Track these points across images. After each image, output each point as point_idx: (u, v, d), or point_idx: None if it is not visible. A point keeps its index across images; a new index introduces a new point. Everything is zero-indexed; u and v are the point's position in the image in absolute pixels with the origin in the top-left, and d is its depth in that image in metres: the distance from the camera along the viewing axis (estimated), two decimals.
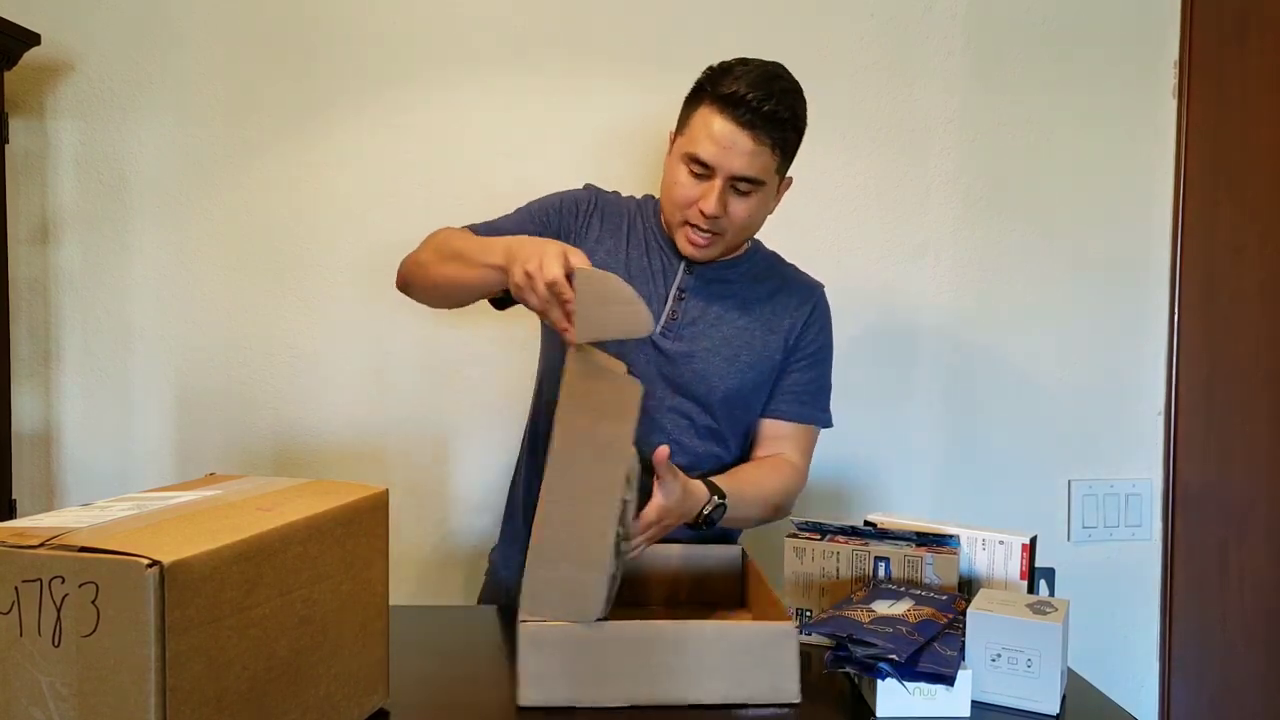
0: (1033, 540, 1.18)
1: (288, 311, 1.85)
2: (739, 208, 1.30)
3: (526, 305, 1.12)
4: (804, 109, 1.32)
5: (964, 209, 1.91)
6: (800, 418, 1.43)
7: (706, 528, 1.24)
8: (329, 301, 1.85)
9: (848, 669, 0.99)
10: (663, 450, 1.12)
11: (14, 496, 1.73)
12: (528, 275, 1.07)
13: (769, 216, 1.38)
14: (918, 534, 1.20)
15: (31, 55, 1.69)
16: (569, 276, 1.03)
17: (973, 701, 0.98)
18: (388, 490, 0.98)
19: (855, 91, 1.87)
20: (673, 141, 1.36)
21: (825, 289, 1.48)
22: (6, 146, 1.70)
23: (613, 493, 0.97)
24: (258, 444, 1.85)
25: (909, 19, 1.88)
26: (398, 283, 1.40)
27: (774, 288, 1.44)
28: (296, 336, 1.84)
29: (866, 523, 1.25)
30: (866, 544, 1.19)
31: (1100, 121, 1.93)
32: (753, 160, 1.26)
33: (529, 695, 0.98)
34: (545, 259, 1.06)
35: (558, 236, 1.34)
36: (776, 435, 1.43)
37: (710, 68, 1.31)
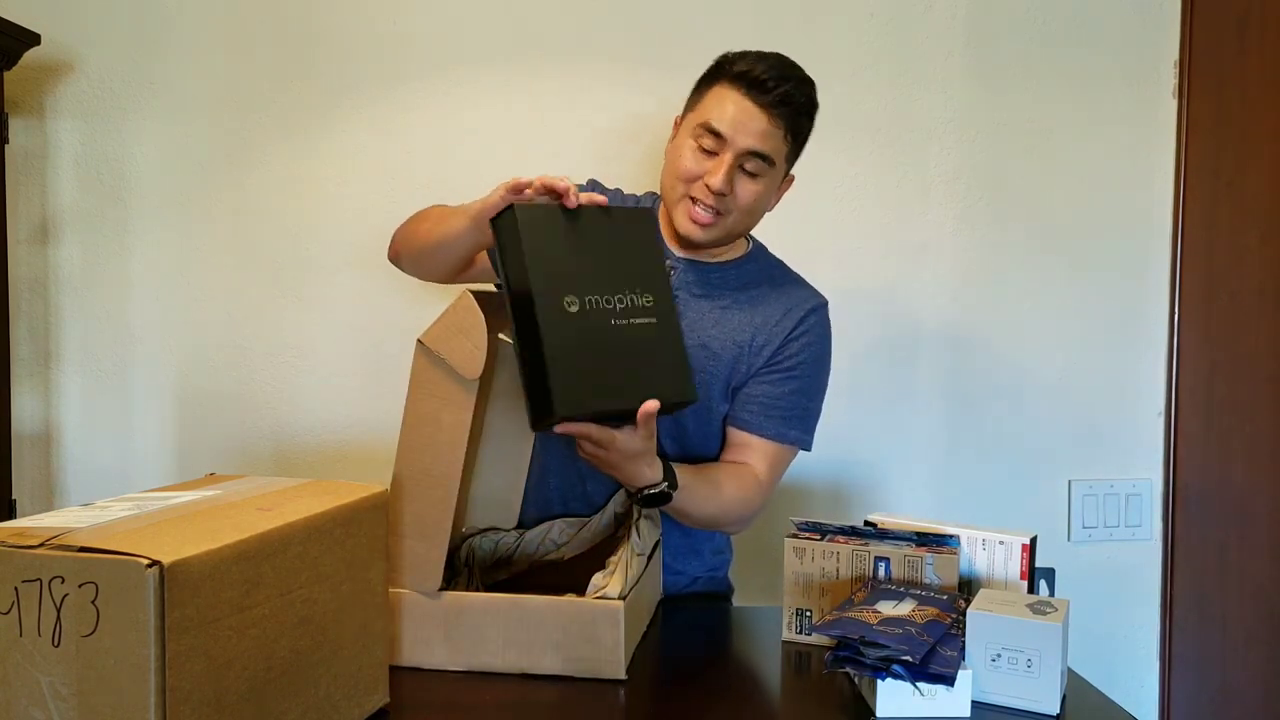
0: (1033, 540, 1.18)
1: (288, 311, 1.85)
2: (745, 189, 1.28)
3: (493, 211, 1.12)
4: (816, 101, 1.32)
5: (964, 209, 1.91)
6: (766, 431, 1.32)
7: (641, 505, 1.18)
8: (329, 301, 1.85)
9: (848, 669, 0.99)
10: (651, 404, 1.07)
11: (14, 496, 1.73)
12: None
13: (767, 216, 1.36)
14: (918, 534, 1.20)
15: (31, 55, 1.69)
16: (477, 295, 1.07)
17: (973, 702, 0.98)
18: (388, 490, 0.98)
19: (855, 91, 1.87)
20: (678, 126, 1.34)
21: (828, 305, 1.38)
22: (6, 146, 1.70)
23: (452, 478, 1.06)
24: (258, 444, 1.85)
25: (909, 19, 1.88)
26: (389, 254, 1.42)
27: (761, 296, 1.36)
28: (296, 336, 1.84)
29: (866, 523, 1.25)
30: (866, 544, 1.19)
31: (1100, 121, 1.92)
32: (766, 139, 1.25)
33: (401, 656, 1.07)
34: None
35: None
36: (742, 444, 1.33)
37: (726, 53, 1.31)
